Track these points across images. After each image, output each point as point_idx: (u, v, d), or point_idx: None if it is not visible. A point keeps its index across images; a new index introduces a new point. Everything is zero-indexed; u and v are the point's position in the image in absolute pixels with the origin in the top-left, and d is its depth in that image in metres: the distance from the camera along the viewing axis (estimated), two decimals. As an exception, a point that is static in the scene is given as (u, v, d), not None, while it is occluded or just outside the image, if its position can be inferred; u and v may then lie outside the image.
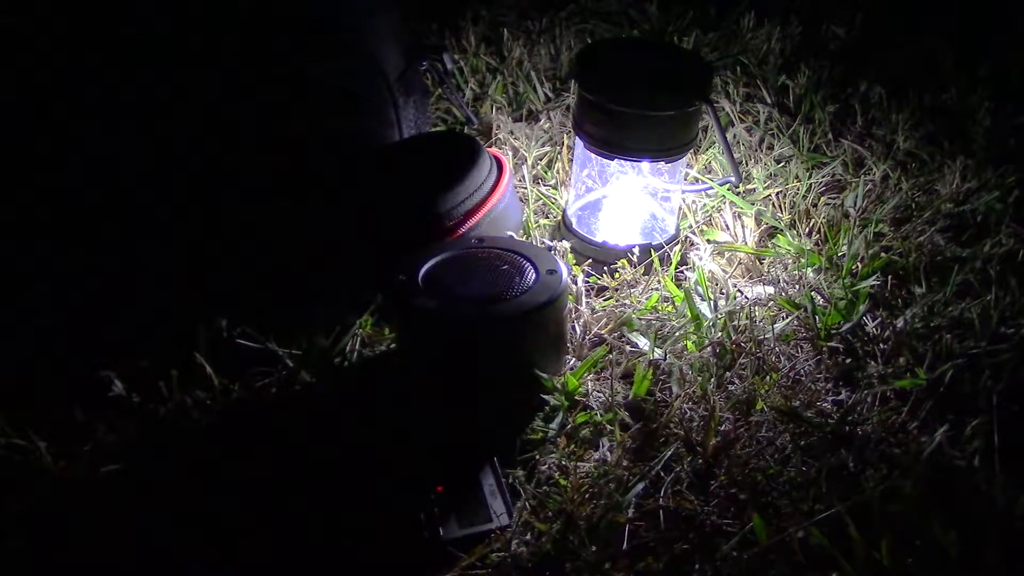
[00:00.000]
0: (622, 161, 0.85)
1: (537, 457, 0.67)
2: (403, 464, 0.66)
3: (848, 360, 0.77)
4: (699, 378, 0.72)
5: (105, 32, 0.81)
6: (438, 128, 1.12)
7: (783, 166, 1.02)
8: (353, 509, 0.63)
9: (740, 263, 0.89)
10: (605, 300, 0.83)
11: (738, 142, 1.08)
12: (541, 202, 0.97)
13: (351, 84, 0.88)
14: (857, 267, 0.86)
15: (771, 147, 1.07)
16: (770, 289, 0.85)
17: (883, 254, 0.88)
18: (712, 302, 0.80)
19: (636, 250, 0.85)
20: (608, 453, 0.67)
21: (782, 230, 0.92)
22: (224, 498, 0.63)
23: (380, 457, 0.67)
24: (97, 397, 0.69)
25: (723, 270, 0.87)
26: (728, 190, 0.93)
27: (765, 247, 0.91)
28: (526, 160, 1.02)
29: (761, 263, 0.89)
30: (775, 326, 0.78)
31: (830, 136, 1.10)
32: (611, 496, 0.63)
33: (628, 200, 0.90)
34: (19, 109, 0.83)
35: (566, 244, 0.85)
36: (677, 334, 0.77)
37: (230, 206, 0.84)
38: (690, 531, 0.62)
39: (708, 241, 0.91)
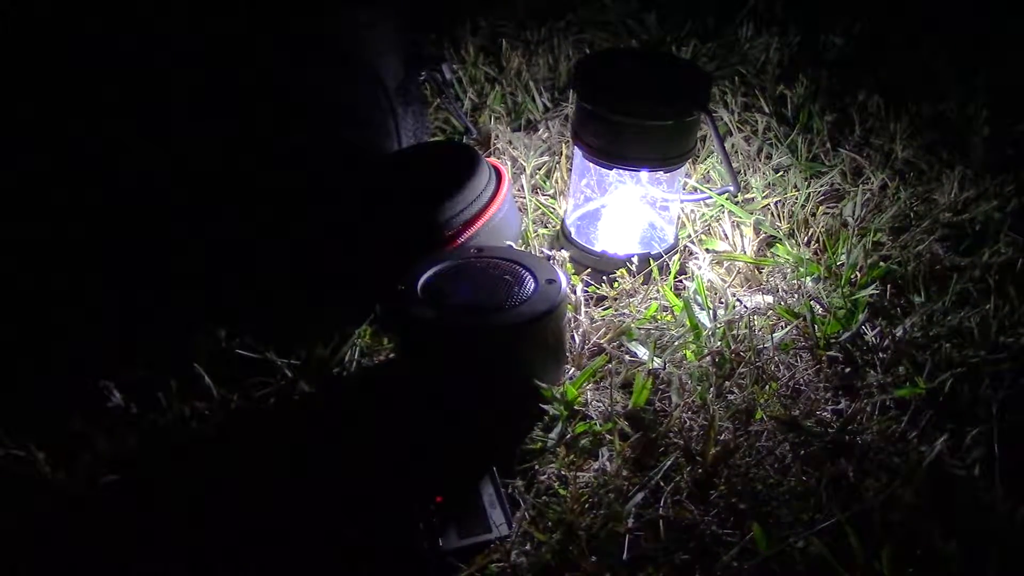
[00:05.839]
0: (621, 171, 0.85)
1: (536, 467, 0.67)
2: (402, 474, 0.66)
3: (847, 369, 0.77)
4: (698, 387, 0.72)
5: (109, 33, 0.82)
6: (437, 138, 1.12)
7: (781, 175, 1.03)
8: (352, 519, 0.63)
9: (739, 272, 0.89)
10: (604, 310, 0.83)
11: (736, 152, 1.08)
12: (540, 212, 0.97)
13: (350, 95, 0.88)
14: (856, 276, 0.86)
15: (769, 156, 1.07)
16: (769, 298, 0.85)
17: (882, 263, 0.88)
18: (711, 311, 0.80)
19: (635, 259, 0.85)
20: (607, 463, 0.67)
21: (781, 239, 0.92)
22: (223, 508, 0.63)
23: (379, 467, 0.66)
24: (96, 407, 0.69)
25: (722, 279, 0.87)
26: (727, 199, 0.93)
27: (764, 256, 0.91)
28: (525, 170, 1.02)
29: (760, 272, 0.89)
30: (774, 335, 0.78)
31: (828, 145, 1.10)
32: (611, 506, 0.62)
33: (627, 210, 0.90)
34: (22, 111, 0.84)
35: (565, 254, 0.85)
36: (676, 343, 0.77)
37: (229, 214, 0.84)
38: (690, 541, 0.62)
39: (707, 250, 0.91)
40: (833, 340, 0.79)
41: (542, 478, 0.66)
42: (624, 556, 0.60)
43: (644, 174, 0.86)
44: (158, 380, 0.70)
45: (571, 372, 0.76)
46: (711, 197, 0.93)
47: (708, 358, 0.76)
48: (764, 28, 1.40)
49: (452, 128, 1.14)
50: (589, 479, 0.66)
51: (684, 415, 0.71)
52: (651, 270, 0.85)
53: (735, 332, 0.78)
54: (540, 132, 1.12)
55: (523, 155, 1.05)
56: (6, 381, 0.73)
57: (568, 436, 0.69)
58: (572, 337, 0.78)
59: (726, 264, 0.90)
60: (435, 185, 0.82)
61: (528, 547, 0.61)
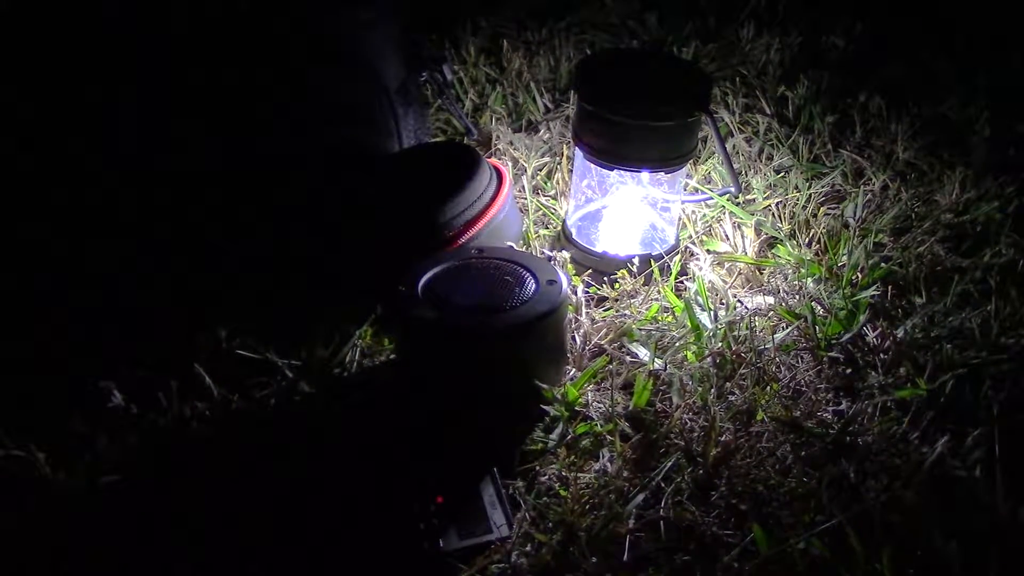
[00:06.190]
0: (622, 171, 0.85)
1: (537, 468, 0.67)
2: (402, 474, 0.66)
3: (848, 370, 0.77)
4: (699, 388, 0.72)
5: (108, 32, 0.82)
6: (438, 139, 1.12)
7: (783, 176, 1.03)
8: (352, 520, 0.62)
9: (740, 273, 0.89)
10: (605, 310, 0.83)
11: (737, 152, 1.08)
12: (541, 212, 0.97)
13: (350, 95, 0.88)
14: (857, 277, 0.86)
15: (771, 157, 1.07)
16: (770, 299, 0.84)
17: (883, 264, 0.88)
18: (712, 312, 0.80)
19: (636, 260, 0.85)
20: (608, 464, 0.67)
21: (782, 240, 0.92)
22: (223, 509, 0.63)
23: (379, 467, 0.66)
24: (96, 407, 0.69)
25: (723, 280, 0.87)
26: (728, 200, 0.93)
27: (765, 257, 0.91)
28: (526, 171, 1.02)
29: (761, 273, 0.89)
30: (775, 336, 0.78)
31: (829, 146, 1.10)
32: (611, 507, 0.62)
33: (628, 210, 0.90)
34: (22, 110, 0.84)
35: (566, 254, 0.85)
36: (677, 344, 0.77)
37: (231, 215, 0.84)
38: (691, 542, 0.62)
39: (708, 251, 0.91)
40: (834, 341, 0.79)
41: (543, 479, 0.66)
42: (625, 557, 0.60)
43: (645, 175, 0.86)
44: (158, 380, 0.70)
45: (572, 373, 0.76)
46: (712, 198, 0.93)
47: (709, 359, 0.76)
48: (765, 29, 1.40)
49: (453, 129, 1.14)
50: (590, 480, 0.66)
51: (685, 416, 0.71)
52: (652, 271, 0.85)
53: (736, 333, 0.78)
54: (541, 133, 1.12)
55: (524, 156, 1.05)
56: (6, 381, 0.73)
57: (569, 437, 0.69)
58: (573, 338, 0.78)
59: (727, 265, 0.90)
60: (436, 186, 0.82)
61: (529, 548, 0.61)
